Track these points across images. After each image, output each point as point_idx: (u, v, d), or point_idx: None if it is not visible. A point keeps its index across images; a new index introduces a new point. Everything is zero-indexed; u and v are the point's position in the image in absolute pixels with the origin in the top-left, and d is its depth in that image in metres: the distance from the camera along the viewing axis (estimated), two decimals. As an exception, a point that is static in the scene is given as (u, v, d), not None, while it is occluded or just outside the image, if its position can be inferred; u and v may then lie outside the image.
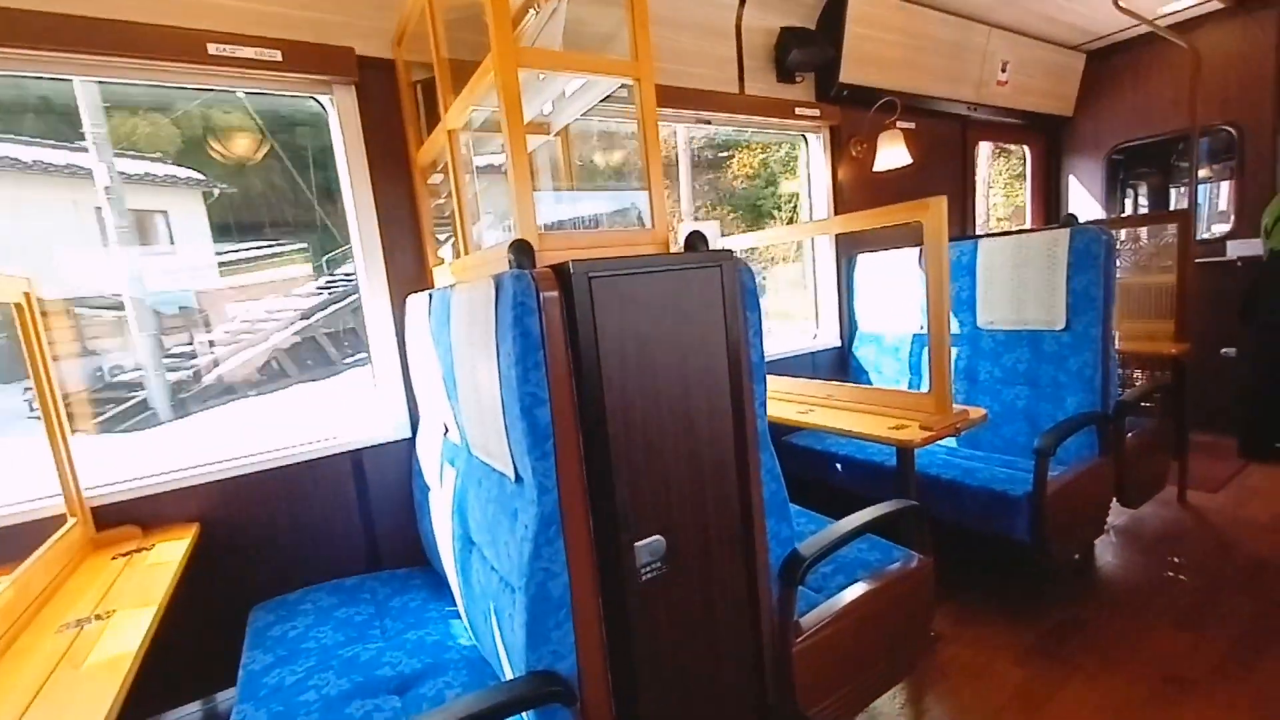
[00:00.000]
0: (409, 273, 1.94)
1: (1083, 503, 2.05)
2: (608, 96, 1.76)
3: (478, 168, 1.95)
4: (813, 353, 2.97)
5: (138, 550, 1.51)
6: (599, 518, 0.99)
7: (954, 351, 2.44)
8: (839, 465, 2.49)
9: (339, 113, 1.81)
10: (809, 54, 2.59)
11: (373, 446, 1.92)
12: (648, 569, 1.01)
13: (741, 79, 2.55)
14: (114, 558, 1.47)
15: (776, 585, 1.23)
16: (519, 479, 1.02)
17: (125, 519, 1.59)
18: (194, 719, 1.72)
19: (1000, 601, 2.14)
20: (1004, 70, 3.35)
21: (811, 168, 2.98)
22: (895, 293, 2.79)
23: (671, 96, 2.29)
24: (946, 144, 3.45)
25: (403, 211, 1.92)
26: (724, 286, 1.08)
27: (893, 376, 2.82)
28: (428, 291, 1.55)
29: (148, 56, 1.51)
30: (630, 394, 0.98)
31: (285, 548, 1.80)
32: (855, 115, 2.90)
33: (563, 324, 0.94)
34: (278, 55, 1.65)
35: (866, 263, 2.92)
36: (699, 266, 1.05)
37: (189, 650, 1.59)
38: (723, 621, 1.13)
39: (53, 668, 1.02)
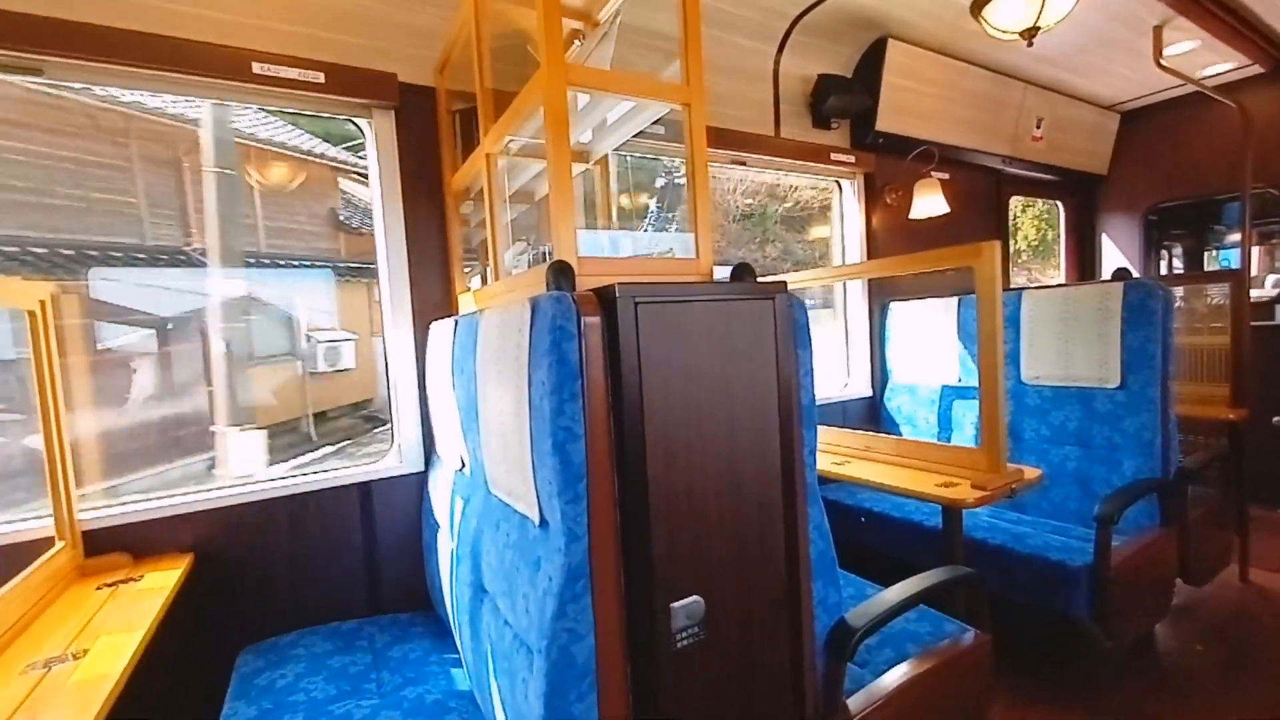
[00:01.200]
0: (434, 299, 1.89)
1: (1147, 577, 1.87)
2: (640, 133, 1.74)
3: (510, 195, 1.92)
4: (843, 401, 2.85)
5: (125, 580, 1.40)
6: (632, 572, 0.88)
7: (996, 406, 2.31)
8: (871, 522, 2.33)
9: (377, 136, 1.80)
10: (845, 101, 2.58)
11: (383, 479, 1.82)
12: (684, 634, 0.89)
13: (778, 123, 2.54)
14: (99, 587, 1.37)
15: (822, 658, 1.08)
16: (544, 523, 0.91)
17: (116, 545, 1.49)
18: None
19: (1054, 686, 1.93)
20: (1039, 126, 3.33)
21: (845, 213, 2.94)
22: (930, 343, 2.69)
23: (710, 136, 2.27)
24: (980, 196, 3.40)
25: (432, 237, 1.88)
26: (776, 321, 0.99)
27: (927, 429, 2.69)
28: (453, 318, 1.48)
29: (195, 72, 1.51)
30: (673, 433, 0.88)
31: (282, 584, 1.68)
32: (890, 163, 2.87)
33: (604, 352, 0.86)
34: (320, 77, 1.65)
35: (900, 311, 2.83)
36: (751, 298, 0.97)
37: (169, 696, 1.46)
38: (762, 698, 0.98)
39: (10, 715, 0.90)
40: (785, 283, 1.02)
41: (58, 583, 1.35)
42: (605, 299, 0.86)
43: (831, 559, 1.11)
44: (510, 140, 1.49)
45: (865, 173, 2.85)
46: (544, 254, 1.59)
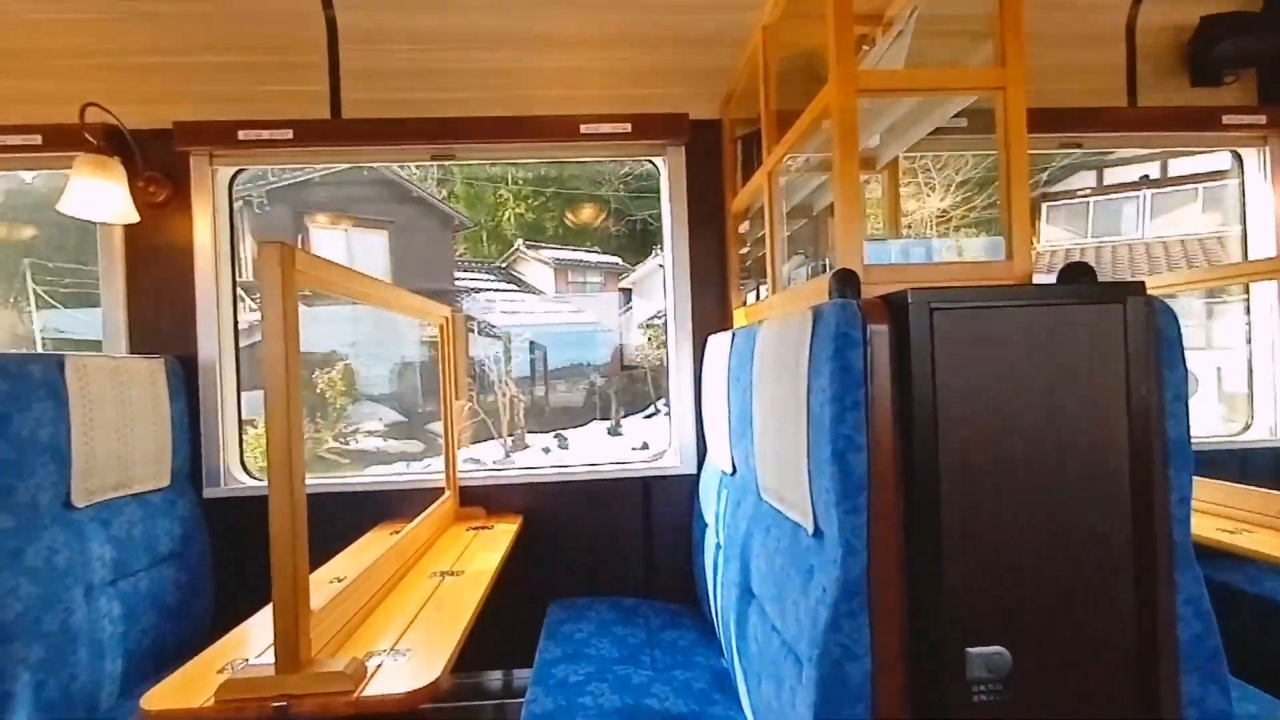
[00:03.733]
0: (712, 315, 2.02)
1: None
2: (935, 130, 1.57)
3: (788, 211, 1.94)
4: (1243, 449, 2.07)
5: (483, 527, 1.85)
6: (918, 600, 0.80)
7: None
8: None
9: (669, 171, 2.03)
10: (1249, 44, 1.91)
11: (661, 476, 2.01)
12: (982, 688, 0.77)
13: (1132, 89, 2.02)
14: (467, 529, 1.83)
15: None
16: (818, 532, 0.89)
17: (476, 501, 1.97)
18: (495, 685, 2.00)
19: None
20: None
21: (1248, 192, 2.16)
22: None
23: (1029, 120, 1.94)
24: None
25: (712, 257, 2.03)
26: (1127, 331, 0.79)
27: None
28: (730, 331, 1.57)
29: (544, 140, 1.94)
30: (974, 455, 0.78)
31: (579, 554, 1.99)
32: (1334, 117, 2.01)
33: (892, 361, 0.81)
34: (628, 128, 1.94)
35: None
36: (1088, 302, 0.80)
37: (500, 624, 1.86)
38: None
39: (423, 604, 1.29)
40: (1143, 283, 0.81)
41: (444, 521, 1.85)
42: (896, 305, 0.81)
43: (1215, 650, 0.82)
44: (790, 159, 1.52)
45: (1286, 135, 2.05)
46: (822, 266, 1.57)
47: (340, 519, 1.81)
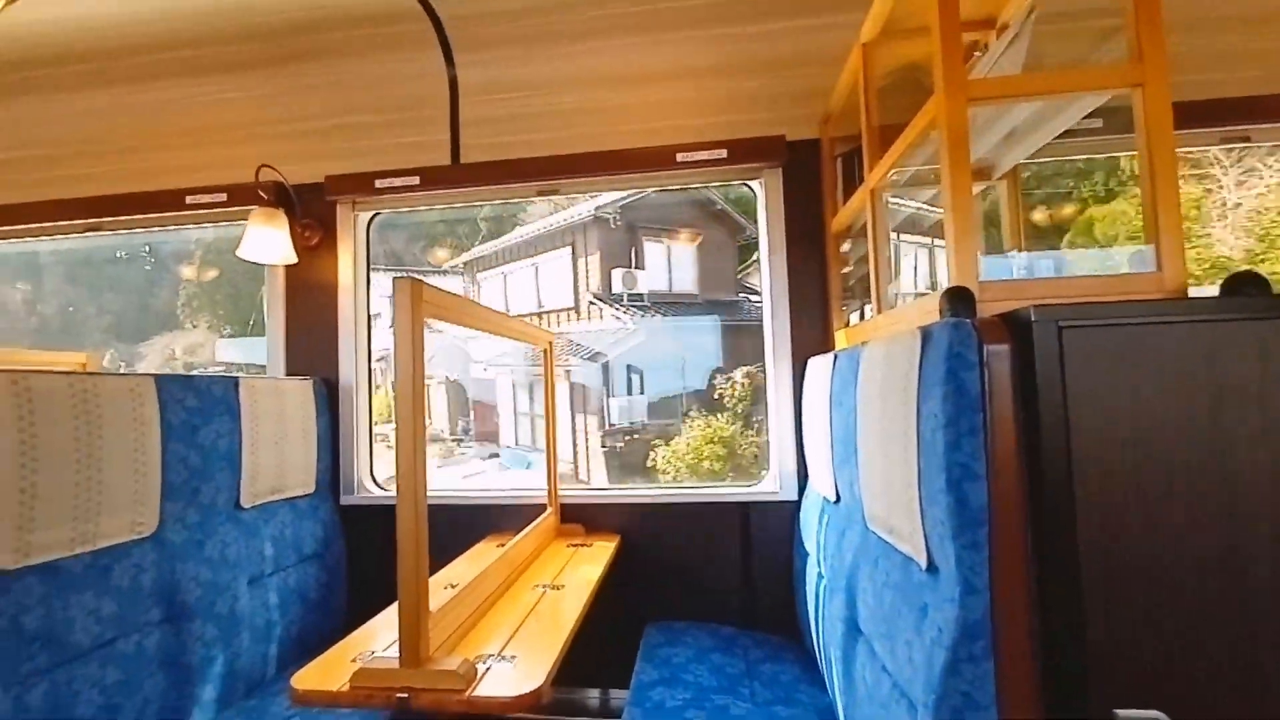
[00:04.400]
0: (812, 336, 1.97)
1: None
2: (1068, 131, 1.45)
3: (893, 228, 1.86)
4: None
5: (582, 544, 1.90)
6: (1052, 650, 0.72)
7: None
8: None
9: (766, 193, 2.03)
10: None
11: (759, 502, 1.97)
12: None
13: None
14: (567, 545, 1.89)
15: None
16: (932, 567, 0.84)
17: (576, 518, 2.03)
18: (592, 702, 2.02)
19: None
20: None
21: None
22: None
23: (1179, 115, 1.73)
24: None
25: (812, 278, 1.99)
26: None
27: None
28: (832, 353, 1.52)
29: (640, 170, 2.01)
30: (1118, 489, 0.70)
31: (676, 577, 1.98)
32: None
33: (1014, 385, 0.75)
34: (724, 153, 1.96)
35: None
36: (1258, 317, 0.70)
37: (596, 642, 1.88)
38: None
39: (527, 614, 1.34)
40: None
41: (546, 536, 1.93)
42: (1018, 323, 0.76)
43: None
44: (894, 174, 1.47)
45: None
46: (932, 285, 1.48)
47: (454, 529, 1.94)
